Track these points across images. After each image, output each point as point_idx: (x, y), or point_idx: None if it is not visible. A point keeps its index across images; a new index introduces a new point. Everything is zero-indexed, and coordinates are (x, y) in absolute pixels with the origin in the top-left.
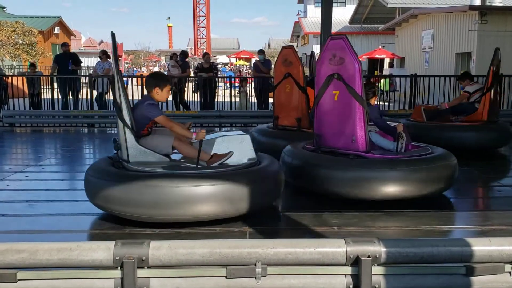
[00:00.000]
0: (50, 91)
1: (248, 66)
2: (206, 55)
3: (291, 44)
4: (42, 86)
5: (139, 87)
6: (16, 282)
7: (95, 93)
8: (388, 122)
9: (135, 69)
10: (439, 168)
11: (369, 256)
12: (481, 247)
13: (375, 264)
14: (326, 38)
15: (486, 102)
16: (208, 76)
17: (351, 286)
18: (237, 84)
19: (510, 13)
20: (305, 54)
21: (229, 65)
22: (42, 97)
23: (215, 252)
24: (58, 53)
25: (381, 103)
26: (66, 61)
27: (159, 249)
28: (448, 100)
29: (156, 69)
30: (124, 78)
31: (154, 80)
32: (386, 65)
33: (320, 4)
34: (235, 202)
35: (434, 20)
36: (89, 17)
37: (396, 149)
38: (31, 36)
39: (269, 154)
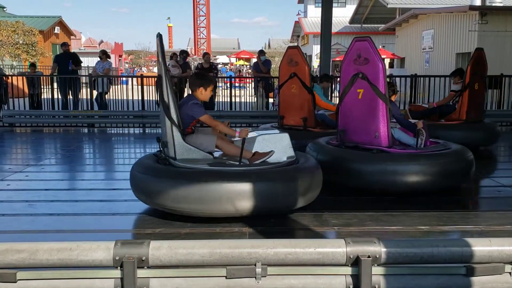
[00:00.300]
0: (50, 91)
1: (248, 66)
2: (206, 55)
3: (293, 44)
4: (42, 86)
5: (139, 87)
6: (16, 282)
7: (95, 93)
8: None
9: (135, 69)
10: (458, 163)
11: (369, 256)
12: (481, 247)
13: (375, 264)
14: (326, 38)
15: (464, 102)
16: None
17: (351, 286)
18: (237, 84)
19: (510, 13)
20: (305, 54)
21: (229, 65)
22: (42, 97)
23: (215, 252)
24: (58, 53)
25: None
26: (66, 61)
27: (159, 249)
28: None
29: (156, 69)
30: (124, 78)
31: (199, 80)
32: (386, 65)
33: (320, 4)
34: (277, 199)
35: (434, 20)
36: (89, 17)
37: (416, 145)
38: (31, 36)
39: None
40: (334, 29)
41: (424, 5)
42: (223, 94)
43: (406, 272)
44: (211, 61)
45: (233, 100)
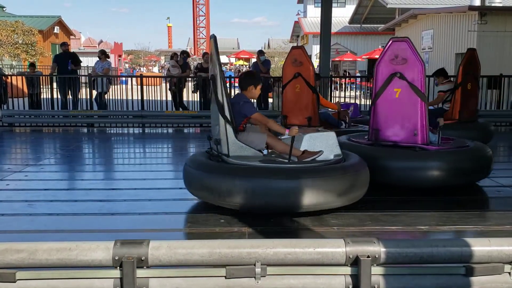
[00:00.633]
0: (49, 91)
1: (248, 66)
2: (205, 55)
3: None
4: (41, 86)
5: (139, 87)
6: (15, 282)
7: (94, 93)
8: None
9: (134, 68)
10: (482, 159)
11: (368, 256)
12: (481, 247)
13: (375, 264)
14: (325, 38)
15: (456, 101)
16: (207, 76)
17: (350, 286)
18: (236, 84)
19: (509, 14)
20: None
21: (228, 65)
22: (42, 97)
23: (215, 252)
24: (57, 52)
25: None
26: (66, 61)
27: (159, 249)
28: None
29: (155, 69)
30: (123, 78)
31: (250, 79)
32: None
33: (320, 4)
34: (327, 196)
35: (433, 20)
36: (89, 17)
37: (438, 141)
38: (31, 35)
39: None
40: (334, 29)
41: (424, 5)
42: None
43: (405, 272)
44: None
45: None
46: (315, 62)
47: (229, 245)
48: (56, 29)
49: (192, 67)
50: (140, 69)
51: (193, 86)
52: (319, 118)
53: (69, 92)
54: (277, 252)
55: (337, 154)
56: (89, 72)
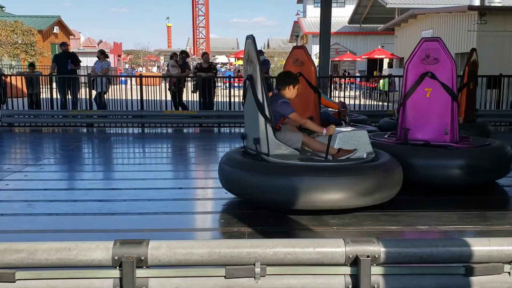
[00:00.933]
0: (49, 91)
1: None
2: (205, 54)
3: (292, 44)
4: (41, 86)
5: (138, 87)
6: (14, 282)
7: (94, 92)
8: None
9: (134, 68)
10: (504, 157)
11: (368, 256)
12: (481, 247)
13: (374, 264)
14: (325, 38)
15: (462, 101)
16: (207, 76)
17: (350, 286)
18: (236, 84)
19: (509, 13)
20: None
21: (228, 65)
22: (41, 96)
23: (214, 252)
24: (57, 52)
25: (380, 103)
26: (65, 61)
27: (158, 249)
28: None
29: (154, 69)
30: (123, 78)
31: (288, 79)
32: (385, 65)
33: (319, 4)
34: (362, 194)
35: (433, 20)
36: (89, 17)
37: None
38: (30, 35)
39: None
40: (333, 29)
41: (423, 5)
42: (222, 94)
43: (405, 272)
44: (210, 61)
45: (232, 100)
46: (315, 62)
47: (229, 245)
48: (56, 29)
49: (191, 67)
50: (138, 69)
51: (192, 86)
52: (321, 118)
53: (69, 92)
54: (276, 252)
55: (369, 152)
56: (89, 72)
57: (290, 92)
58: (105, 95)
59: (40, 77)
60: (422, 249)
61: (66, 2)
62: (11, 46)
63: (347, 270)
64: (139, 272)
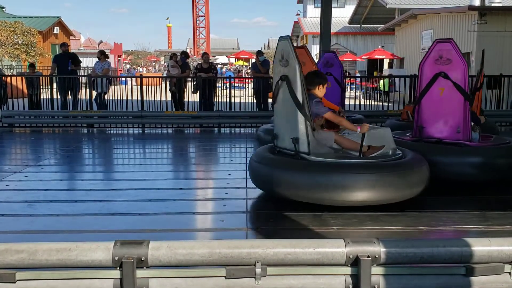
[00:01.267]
0: (49, 91)
1: (248, 67)
2: (205, 55)
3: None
4: (41, 86)
5: (138, 87)
6: (15, 283)
7: (94, 93)
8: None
9: (134, 69)
10: None
11: (368, 257)
12: (481, 247)
13: (375, 265)
14: (325, 38)
15: (479, 101)
16: (207, 76)
17: (350, 287)
18: (236, 85)
19: (509, 14)
20: None
21: (228, 65)
22: (41, 97)
23: (215, 252)
24: (57, 53)
25: (380, 103)
26: (66, 61)
27: (159, 249)
28: None
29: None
30: (123, 78)
31: (318, 78)
32: (385, 66)
33: (319, 4)
34: (396, 190)
35: (433, 20)
36: (89, 17)
37: (479, 139)
38: (31, 36)
39: None
40: (333, 29)
41: (423, 5)
42: (222, 94)
43: (405, 272)
44: (210, 61)
45: (232, 100)
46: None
47: (229, 245)
48: (56, 30)
49: (191, 67)
50: (138, 69)
51: (192, 87)
52: None
53: (69, 92)
54: (277, 252)
55: (393, 148)
56: (89, 72)
57: (320, 91)
58: (106, 96)
59: (41, 77)
60: (423, 249)
61: (67, 2)
62: (11, 46)
63: (348, 270)
64: (140, 273)
